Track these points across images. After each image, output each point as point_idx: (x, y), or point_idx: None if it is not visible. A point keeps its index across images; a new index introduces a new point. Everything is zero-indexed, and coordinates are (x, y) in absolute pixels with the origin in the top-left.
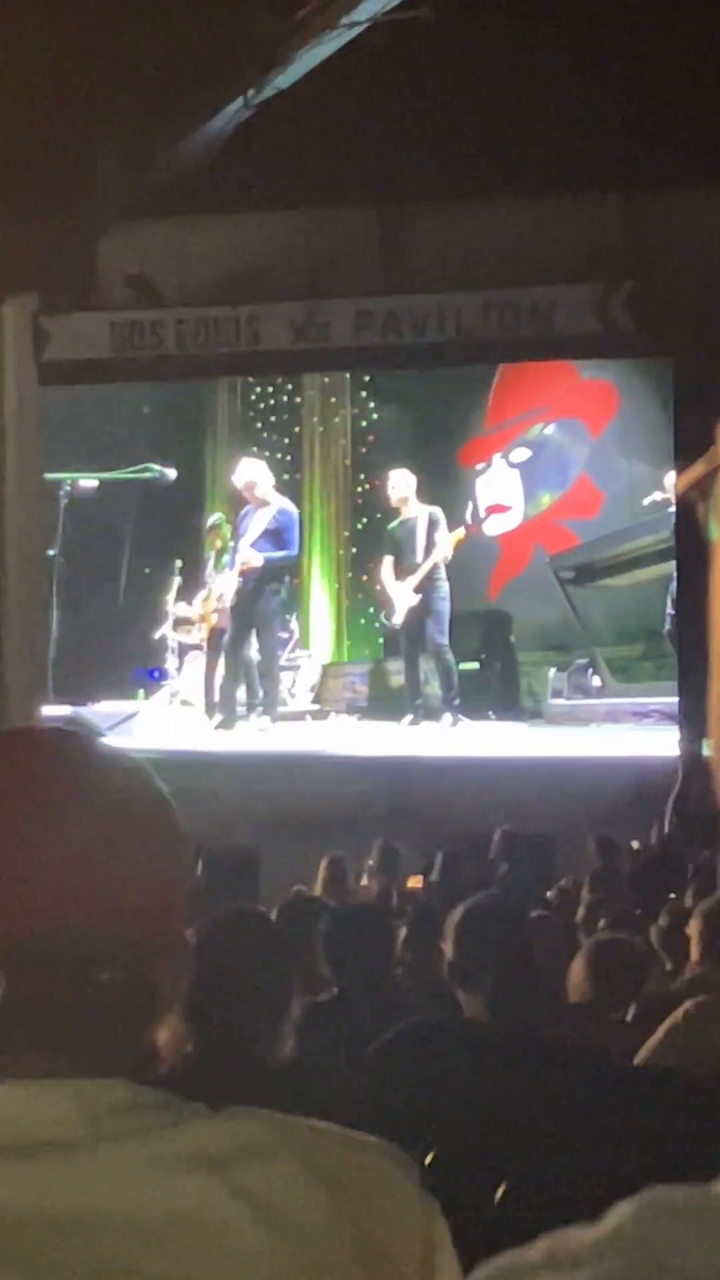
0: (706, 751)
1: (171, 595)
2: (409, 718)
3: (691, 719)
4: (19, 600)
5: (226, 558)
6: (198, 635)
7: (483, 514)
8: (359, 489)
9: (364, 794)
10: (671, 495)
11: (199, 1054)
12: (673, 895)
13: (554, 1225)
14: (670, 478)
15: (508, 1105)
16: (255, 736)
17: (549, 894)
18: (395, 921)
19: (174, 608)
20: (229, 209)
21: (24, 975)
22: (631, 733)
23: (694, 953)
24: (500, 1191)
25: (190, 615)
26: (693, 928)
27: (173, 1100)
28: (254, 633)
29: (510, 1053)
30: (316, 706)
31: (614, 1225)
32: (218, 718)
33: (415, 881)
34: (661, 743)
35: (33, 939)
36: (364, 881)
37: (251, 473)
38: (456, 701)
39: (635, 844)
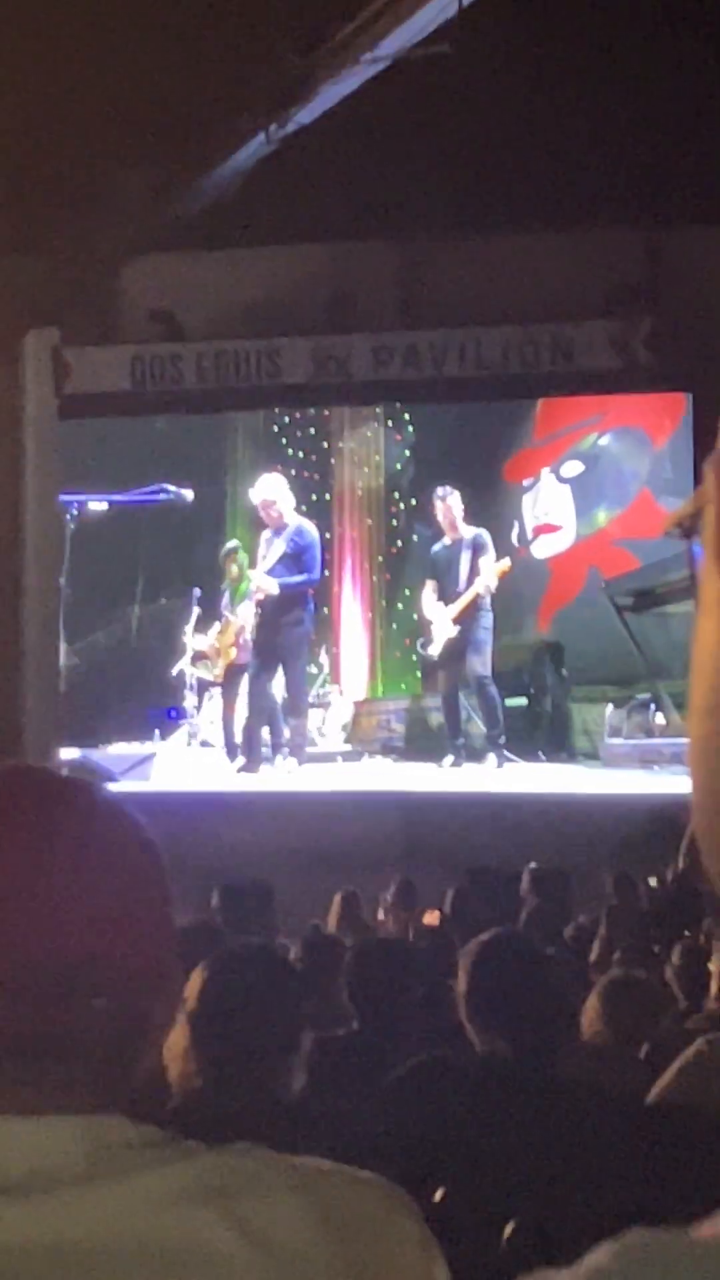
0: None
1: (189, 627)
2: (449, 759)
3: None
4: (38, 636)
5: (246, 586)
6: (215, 671)
7: (530, 535)
8: (394, 508)
9: (380, 828)
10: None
11: (210, 1088)
12: (688, 933)
13: (563, 1263)
14: None
15: (520, 1142)
16: (279, 779)
17: (566, 930)
18: (415, 957)
19: (192, 640)
20: (250, 243)
21: (15, 1007)
22: None
23: (712, 989)
24: (509, 1229)
25: (207, 650)
26: (711, 966)
27: (170, 1137)
28: (279, 667)
29: (523, 1089)
30: (349, 747)
31: (593, 1267)
32: (240, 760)
33: (432, 917)
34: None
35: (21, 971)
36: (381, 916)
37: (269, 490)
38: (502, 740)
39: (652, 881)
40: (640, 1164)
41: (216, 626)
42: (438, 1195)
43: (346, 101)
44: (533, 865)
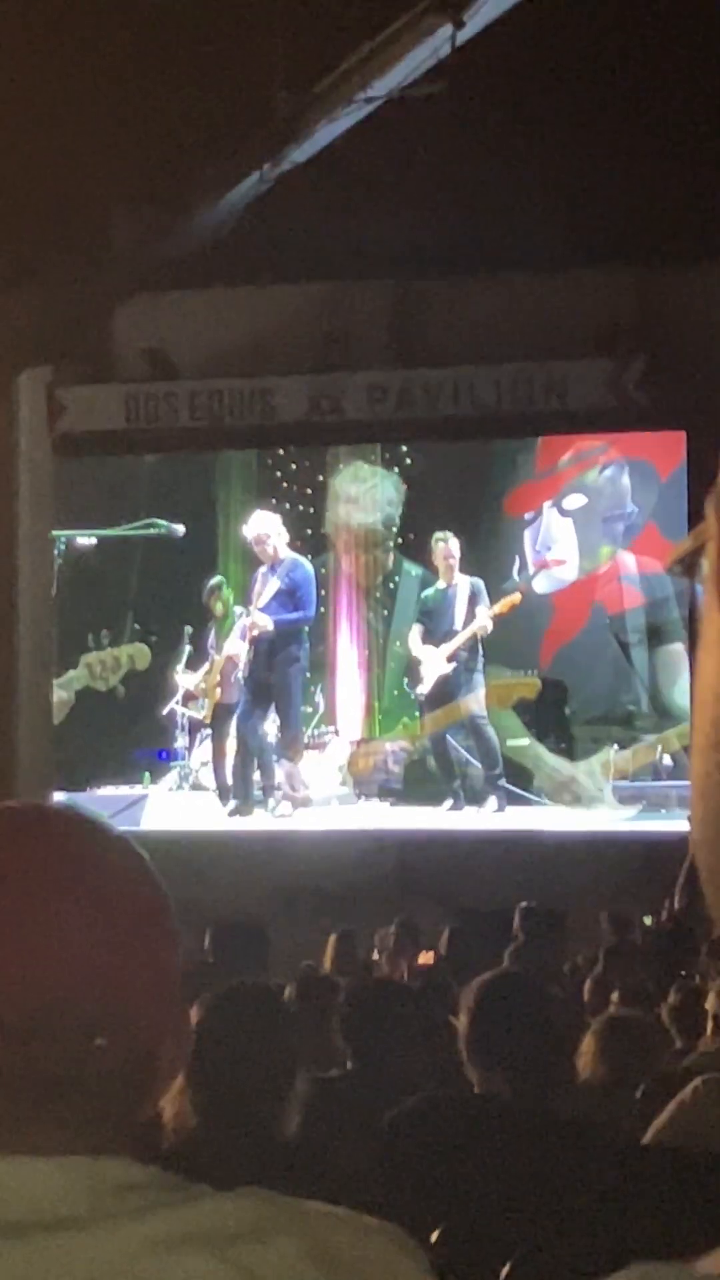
0: None
1: (180, 666)
2: (449, 803)
3: None
4: (31, 676)
5: (233, 624)
6: (203, 711)
7: (532, 569)
8: (391, 544)
9: (376, 868)
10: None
11: (204, 1129)
12: (684, 972)
13: None
14: None
15: (515, 1181)
16: (272, 821)
17: (564, 968)
18: (410, 998)
19: (182, 679)
20: (244, 282)
21: (22, 1048)
22: None
23: (708, 1029)
24: (506, 1269)
25: (194, 689)
26: (707, 1005)
27: (175, 1180)
28: (271, 707)
29: (519, 1129)
30: (345, 789)
31: None
32: (232, 803)
33: (427, 957)
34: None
35: (29, 1011)
36: (376, 957)
37: (262, 525)
38: (502, 781)
39: (648, 920)
40: (636, 1204)
41: (205, 666)
42: (434, 1235)
43: (341, 141)
44: (524, 904)
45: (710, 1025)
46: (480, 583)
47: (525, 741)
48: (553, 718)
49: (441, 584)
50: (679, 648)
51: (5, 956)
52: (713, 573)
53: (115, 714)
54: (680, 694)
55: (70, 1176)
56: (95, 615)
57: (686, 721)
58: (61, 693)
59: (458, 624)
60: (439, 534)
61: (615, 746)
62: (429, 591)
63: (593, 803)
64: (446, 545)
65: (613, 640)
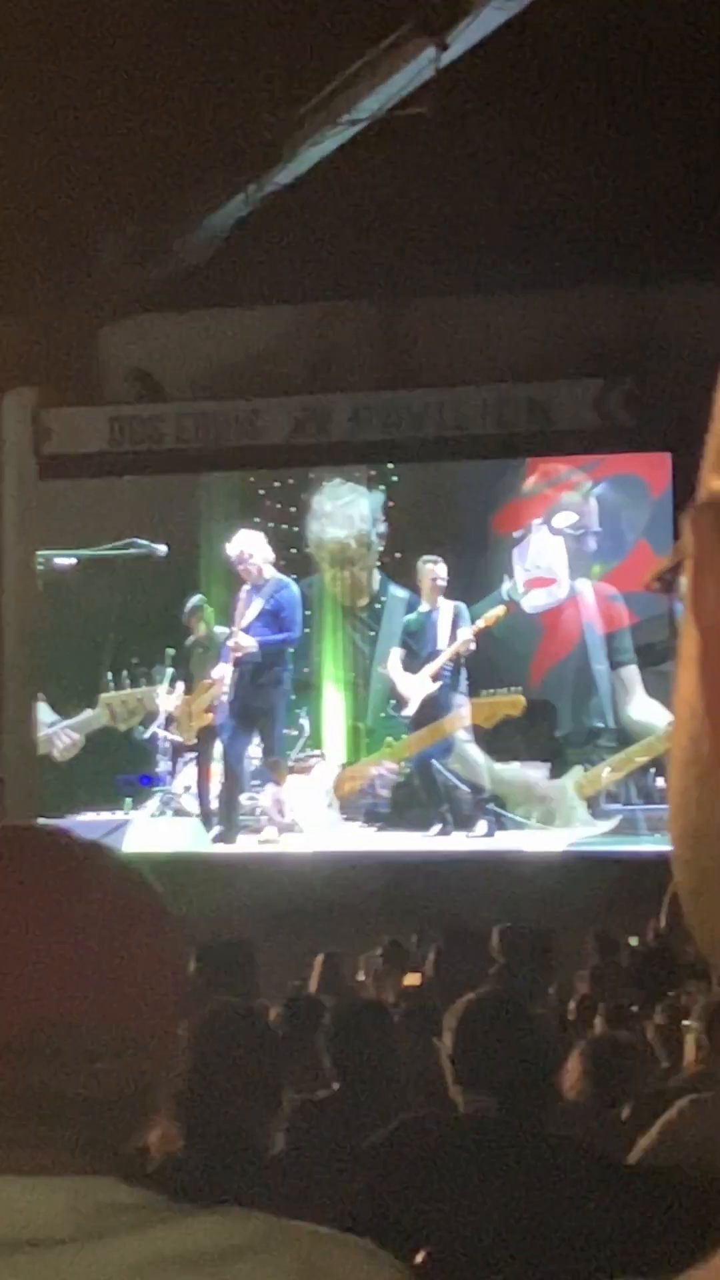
0: None
1: (163, 688)
2: (436, 827)
3: None
4: (16, 700)
5: (217, 645)
6: (186, 735)
7: (521, 589)
8: (377, 563)
9: (362, 889)
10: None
11: (191, 1150)
12: (670, 993)
13: None
14: None
15: (501, 1202)
16: (257, 845)
17: (550, 989)
18: (396, 1019)
19: (164, 702)
20: (230, 304)
21: (24, 1068)
22: None
23: (690, 1051)
24: None
25: (176, 711)
26: (689, 1025)
27: (162, 1200)
28: (255, 730)
29: (505, 1150)
30: (331, 813)
31: None
32: (216, 829)
33: (413, 979)
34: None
35: (26, 1032)
36: (361, 977)
37: (246, 544)
38: (490, 805)
39: (633, 940)
40: (622, 1224)
41: (178, 688)
42: (420, 1257)
43: (325, 162)
44: (501, 926)
45: (694, 1045)
46: (463, 606)
47: (514, 764)
48: (542, 737)
49: (425, 607)
50: (672, 667)
51: (11, 977)
52: (689, 590)
53: (98, 735)
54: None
55: (57, 1196)
56: (79, 639)
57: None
58: (74, 734)
59: (441, 645)
60: (427, 557)
61: (608, 768)
62: (411, 616)
63: (584, 825)
64: (434, 569)
65: (605, 659)
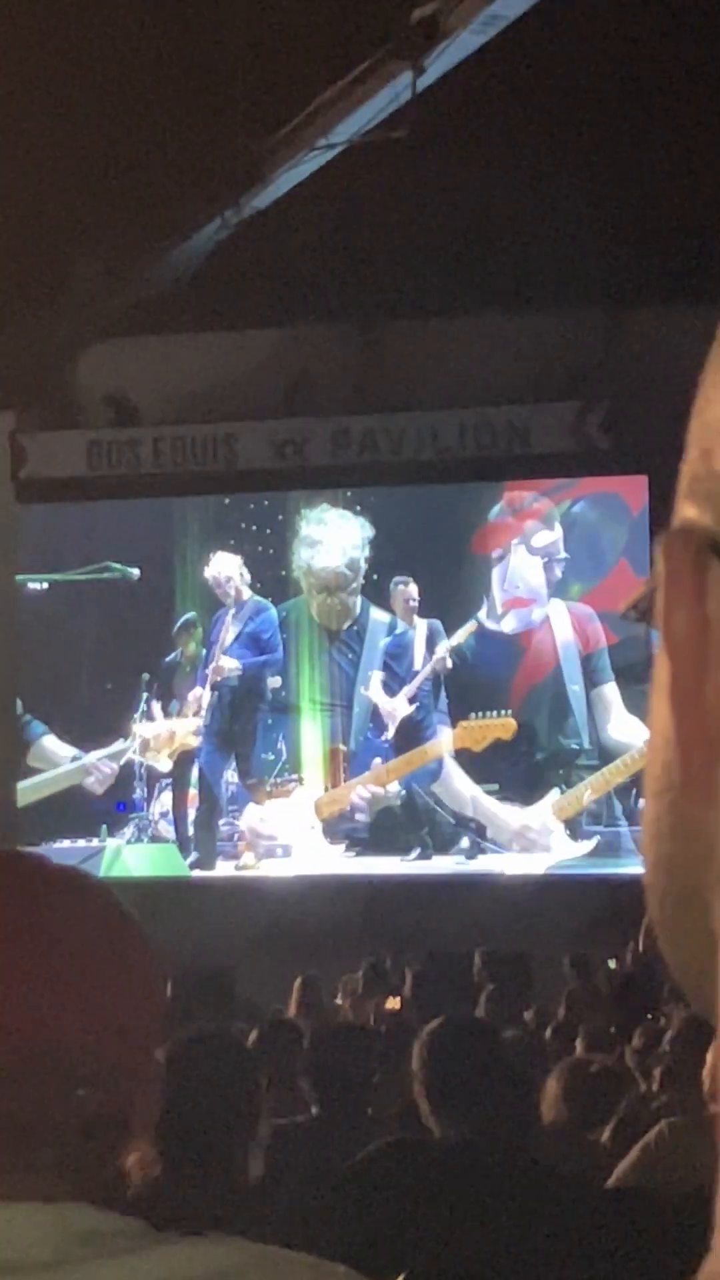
0: None
1: (138, 715)
2: (416, 850)
3: None
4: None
5: (198, 667)
6: (165, 760)
7: (500, 609)
8: (358, 586)
9: (340, 912)
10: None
11: (168, 1175)
12: (649, 1016)
13: None
14: None
15: (480, 1226)
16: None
17: (527, 1013)
18: (375, 1042)
19: (140, 728)
20: (207, 327)
21: (4, 1095)
22: None
23: (668, 1073)
24: None
25: (153, 736)
26: (668, 1048)
27: (141, 1227)
28: (233, 754)
29: (483, 1174)
30: (310, 837)
31: None
32: (194, 855)
33: (393, 1002)
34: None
35: (13, 1059)
36: (339, 1000)
37: (225, 567)
38: (473, 826)
39: (612, 963)
40: (601, 1248)
41: (158, 709)
42: None
43: (302, 186)
44: (482, 949)
45: (673, 1068)
46: (438, 624)
47: (495, 786)
48: (525, 759)
49: (401, 627)
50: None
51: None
52: (659, 617)
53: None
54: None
55: (36, 1223)
56: (47, 665)
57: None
58: (112, 764)
59: (418, 665)
60: (398, 578)
61: (589, 790)
62: (387, 640)
63: (555, 846)
64: (406, 589)
65: (582, 680)
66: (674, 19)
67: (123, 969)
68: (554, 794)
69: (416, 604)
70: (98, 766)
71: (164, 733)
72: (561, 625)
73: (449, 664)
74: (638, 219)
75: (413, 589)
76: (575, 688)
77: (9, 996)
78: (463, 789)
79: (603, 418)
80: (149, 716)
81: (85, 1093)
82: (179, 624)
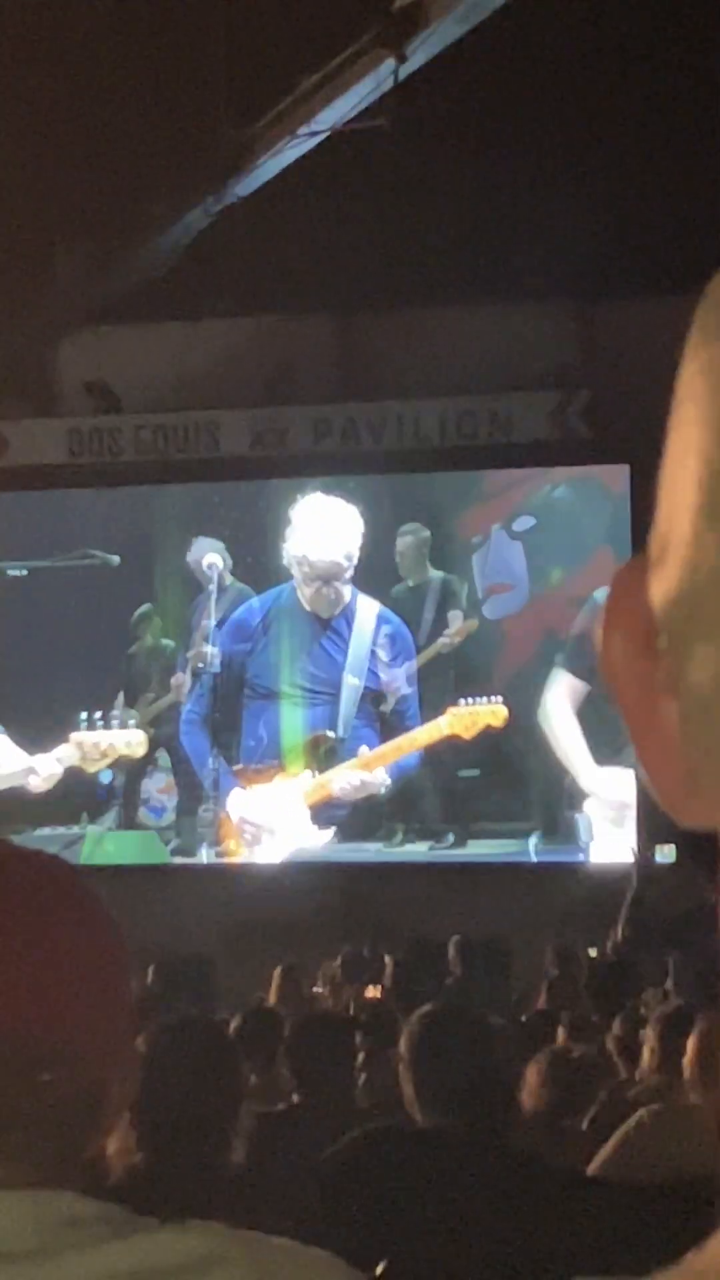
0: (660, 858)
1: (119, 700)
2: (399, 836)
3: (650, 822)
4: None
5: (174, 655)
6: (105, 771)
7: (482, 594)
8: (345, 573)
9: (321, 900)
10: None
11: (149, 1163)
12: (629, 1003)
13: None
14: None
15: (461, 1213)
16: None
17: (509, 1000)
18: (355, 1030)
19: (79, 736)
20: (188, 316)
21: None
22: None
23: (649, 1061)
24: None
25: (91, 745)
26: (648, 1036)
27: (123, 1213)
28: (213, 741)
29: (464, 1161)
30: (294, 824)
31: None
32: (175, 841)
33: (374, 991)
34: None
35: None
36: (318, 988)
37: (206, 554)
38: (459, 815)
39: (592, 951)
40: (581, 1235)
41: (146, 699)
42: (379, 1268)
43: (284, 175)
44: (457, 938)
45: (653, 1056)
46: (454, 579)
47: (476, 772)
48: (505, 747)
49: (410, 582)
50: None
51: None
52: (599, 644)
53: (51, 749)
54: None
55: (17, 1210)
56: (30, 649)
57: None
58: (56, 766)
59: (423, 633)
60: (406, 526)
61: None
62: (397, 588)
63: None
64: (418, 536)
65: (565, 665)
66: (656, 7)
67: (86, 949)
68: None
69: (428, 552)
70: (35, 770)
71: (103, 743)
72: (542, 610)
73: (455, 644)
74: (619, 208)
75: (425, 534)
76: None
77: None
78: (451, 776)
79: (583, 407)
80: (131, 703)
81: (50, 1076)
82: (137, 615)
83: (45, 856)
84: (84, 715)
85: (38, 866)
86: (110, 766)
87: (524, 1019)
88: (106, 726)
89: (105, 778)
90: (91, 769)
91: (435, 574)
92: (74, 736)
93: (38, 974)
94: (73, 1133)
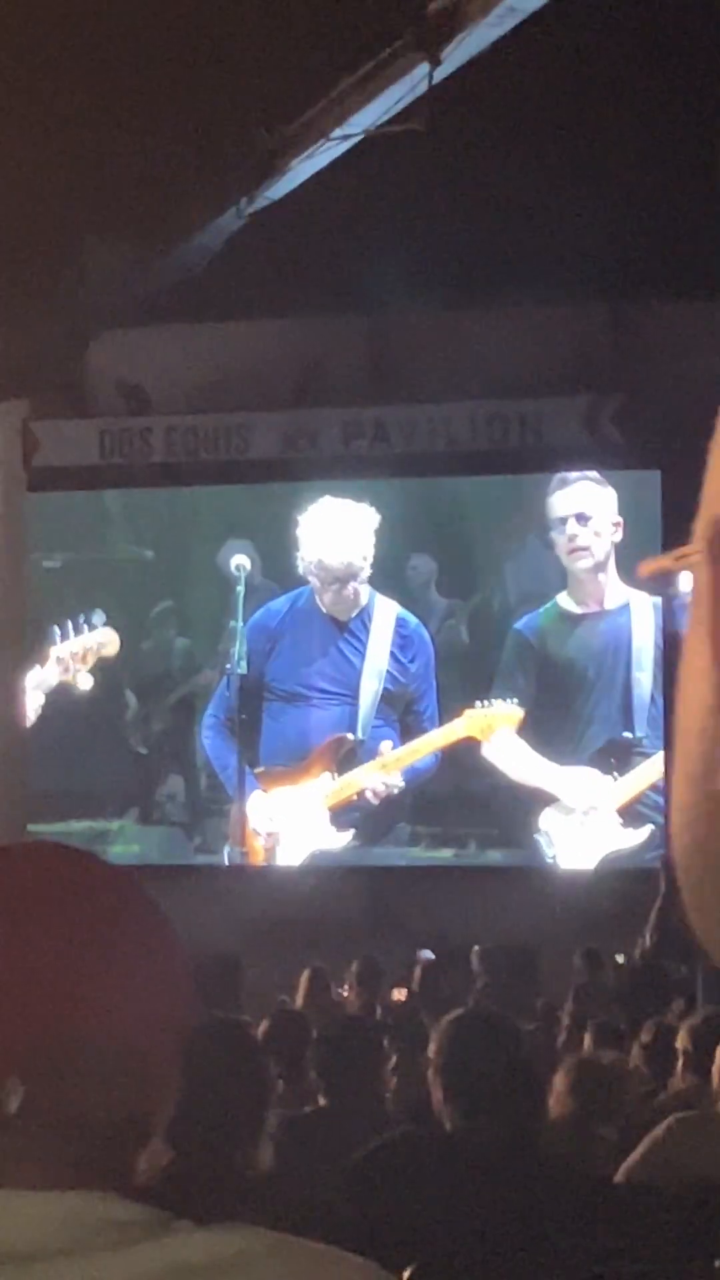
0: None
1: (57, 638)
2: (424, 842)
3: None
4: (3, 715)
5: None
6: (86, 676)
7: (513, 602)
8: (367, 576)
9: (348, 903)
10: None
11: (178, 1165)
12: (658, 1011)
13: None
14: None
15: (487, 1220)
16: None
17: (537, 1006)
18: (382, 1035)
19: (55, 649)
20: (220, 318)
21: (39, 1087)
22: None
23: (677, 1069)
24: None
25: (69, 654)
26: (678, 1043)
27: (160, 1215)
28: (239, 741)
29: (491, 1167)
30: (318, 826)
31: None
32: (198, 839)
33: (400, 994)
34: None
35: (51, 1052)
36: (344, 991)
37: (235, 556)
38: (482, 818)
39: (620, 957)
40: (608, 1242)
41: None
42: (406, 1273)
43: (317, 177)
44: (478, 948)
45: (682, 1064)
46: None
47: (507, 772)
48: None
49: (413, 615)
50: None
51: (36, 997)
52: (702, 599)
53: (81, 743)
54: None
55: (53, 1210)
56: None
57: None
58: (37, 693)
59: (428, 650)
60: (416, 557)
61: (615, 775)
62: (397, 627)
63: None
64: (426, 565)
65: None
66: (696, 8)
67: (153, 961)
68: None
69: (434, 580)
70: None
71: (77, 648)
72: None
73: (465, 637)
74: (653, 212)
75: (432, 564)
76: (591, 678)
77: (44, 990)
78: (475, 779)
79: (615, 411)
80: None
81: (109, 1085)
82: (155, 612)
83: (113, 869)
84: (56, 629)
85: (110, 878)
86: (91, 671)
87: (552, 1025)
88: (77, 633)
89: (86, 684)
90: (76, 680)
91: (441, 600)
92: (51, 651)
93: (113, 985)
94: (124, 1141)
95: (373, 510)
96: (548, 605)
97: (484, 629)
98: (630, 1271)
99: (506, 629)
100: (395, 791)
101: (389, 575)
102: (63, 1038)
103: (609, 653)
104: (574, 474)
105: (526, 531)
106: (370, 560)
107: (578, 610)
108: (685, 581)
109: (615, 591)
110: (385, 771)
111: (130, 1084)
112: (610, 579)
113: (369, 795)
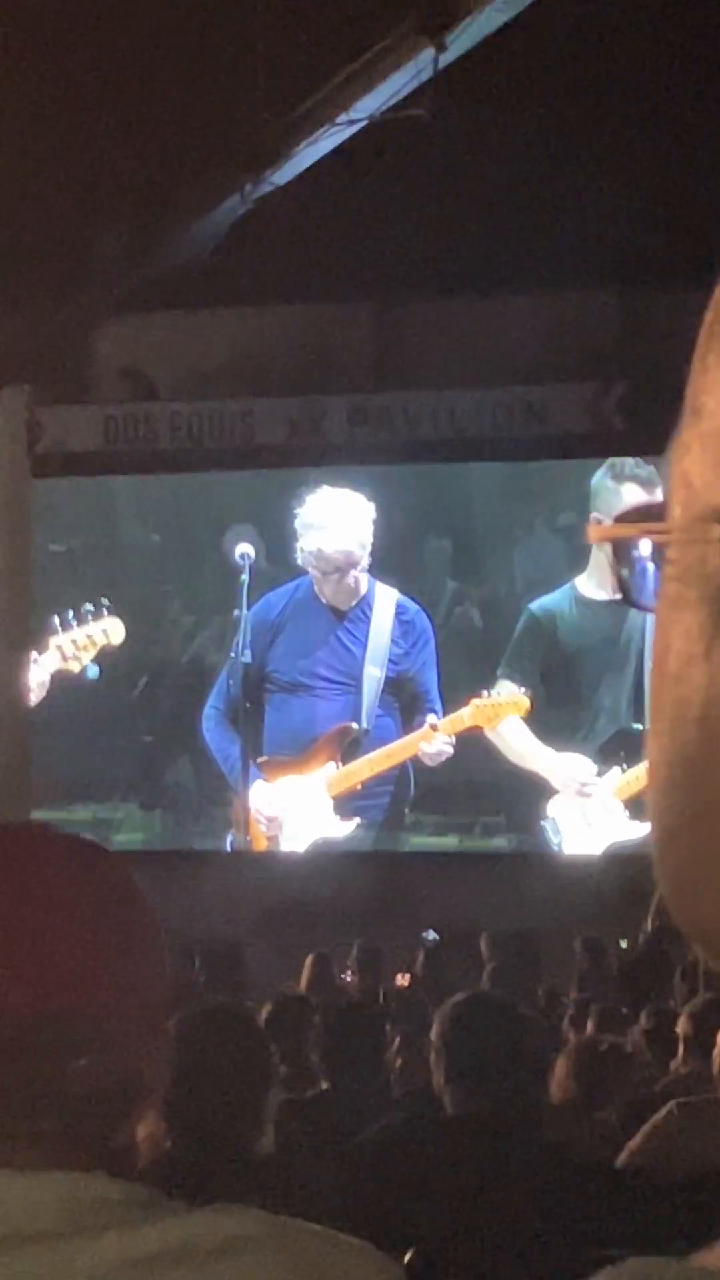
0: None
1: (58, 625)
2: (430, 829)
3: None
4: (6, 705)
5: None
6: (92, 666)
7: (520, 589)
8: (367, 564)
9: (351, 888)
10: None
11: (179, 1148)
12: (657, 996)
13: None
14: None
15: (489, 1204)
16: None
17: (539, 992)
18: (384, 1019)
19: (56, 639)
20: (225, 303)
21: (5, 1064)
22: None
23: (679, 1054)
24: None
25: (69, 642)
26: (680, 1028)
27: (154, 1196)
28: (242, 729)
29: (493, 1150)
30: (322, 815)
31: None
32: (202, 828)
33: (403, 979)
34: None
35: (13, 1028)
36: (346, 976)
37: (239, 543)
38: (488, 805)
39: (623, 943)
40: (609, 1227)
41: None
42: (407, 1257)
43: (322, 163)
44: (487, 933)
45: (683, 1049)
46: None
47: (511, 759)
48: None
49: (410, 606)
50: None
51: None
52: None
53: (86, 729)
54: None
55: (47, 1192)
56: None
57: None
58: (41, 677)
59: (432, 637)
60: (433, 537)
61: (623, 766)
62: (397, 615)
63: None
64: (439, 545)
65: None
66: None
67: (124, 937)
68: (615, 773)
69: (448, 561)
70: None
71: (80, 638)
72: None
73: (478, 622)
74: (659, 198)
75: (448, 546)
76: (599, 666)
77: (8, 965)
78: (480, 766)
79: (620, 398)
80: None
81: (86, 1061)
82: (161, 598)
83: (80, 841)
84: (56, 618)
85: (73, 851)
86: (96, 659)
87: (554, 1010)
88: (81, 623)
89: (92, 673)
90: (76, 668)
91: (450, 584)
92: (52, 640)
93: (73, 958)
94: (104, 1119)
95: (370, 499)
96: (564, 588)
97: (495, 614)
98: (628, 1257)
99: (517, 614)
100: (401, 781)
101: (395, 561)
102: (27, 1016)
103: (622, 641)
104: (628, 463)
105: (534, 518)
106: (369, 549)
107: (597, 596)
108: (644, 548)
109: None
110: (390, 760)
111: (104, 1060)
112: None
113: (373, 784)
